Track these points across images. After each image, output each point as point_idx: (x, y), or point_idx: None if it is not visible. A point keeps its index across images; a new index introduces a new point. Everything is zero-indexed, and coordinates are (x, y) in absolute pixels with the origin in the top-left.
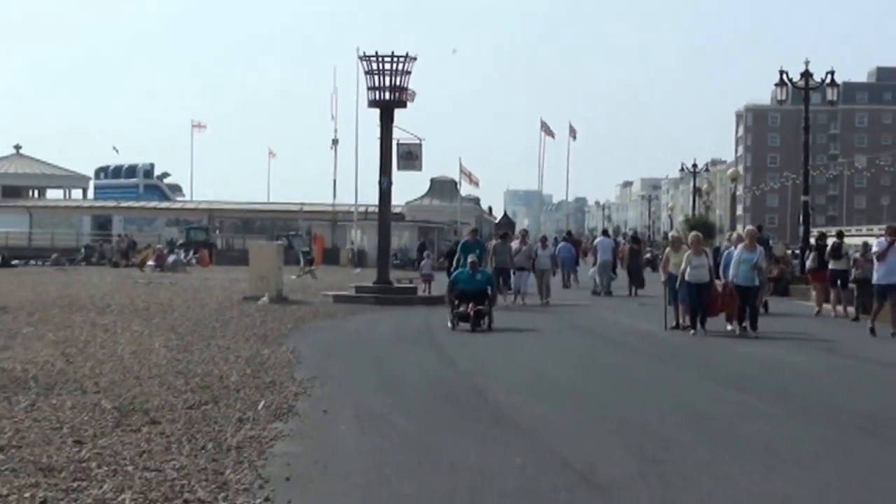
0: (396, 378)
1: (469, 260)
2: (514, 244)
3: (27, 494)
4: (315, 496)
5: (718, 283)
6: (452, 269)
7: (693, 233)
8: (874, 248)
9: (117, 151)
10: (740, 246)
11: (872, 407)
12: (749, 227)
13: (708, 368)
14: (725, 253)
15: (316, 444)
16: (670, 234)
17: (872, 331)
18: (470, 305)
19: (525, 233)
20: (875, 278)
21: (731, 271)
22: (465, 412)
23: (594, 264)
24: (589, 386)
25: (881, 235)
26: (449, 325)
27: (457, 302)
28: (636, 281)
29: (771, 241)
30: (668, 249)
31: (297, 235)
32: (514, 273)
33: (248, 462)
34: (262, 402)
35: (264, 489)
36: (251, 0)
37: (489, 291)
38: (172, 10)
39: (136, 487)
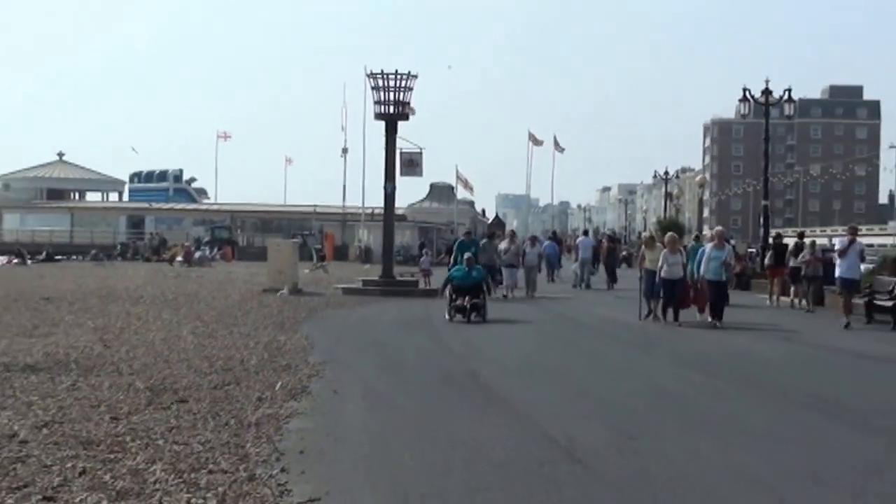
0: (399, 362)
1: (465, 257)
2: (504, 244)
3: (69, 465)
4: (326, 467)
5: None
6: (451, 266)
7: (669, 234)
8: (836, 247)
9: (136, 151)
10: (710, 244)
11: (821, 387)
12: (718, 227)
13: (678, 354)
14: (700, 250)
15: (327, 421)
16: (644, 235)
17: (847, 325)
18: (466, 298)
19: (513, 233)
20: (838, 273)
21: (701, 267)
22: (460, 392)
23: (576, 261)
24: (571, 369)
25: (838, 235)
26: (446, 316)
27: (454, 296)
28: (612, 276)
29: (732, 241)
30: (643, 248)
31: (311, 234)
32: (503, 269)
33: (266, 437)
34: (279, 383)
35: (281, 461)
36: (270, 24)
37: (484, 286)
38: (200, 32)
39: (166, 459)
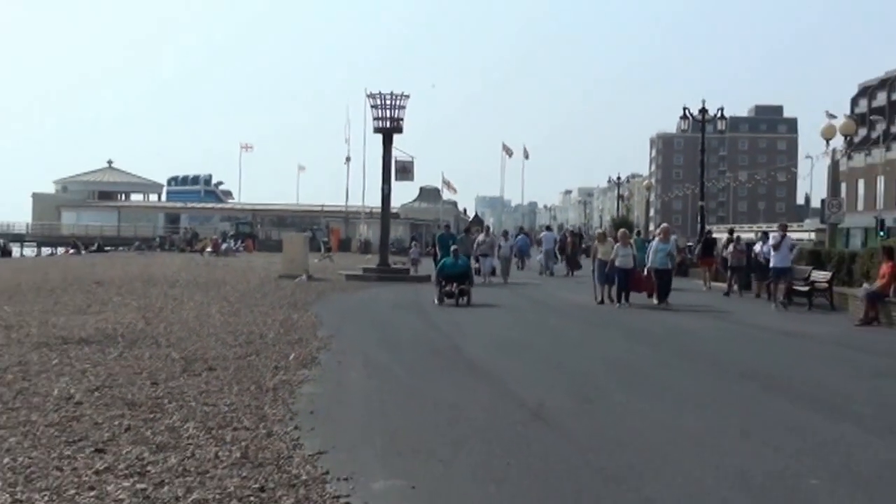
0: (394, 337)
1: (452, 248)
2: (481, 236)
3: (116, 423)
4: (332, 425)
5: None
6: (438, 258)
7: (621, 230)
8: (770, 241)
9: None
10: (657, 239)
11: (748, 359)
12: (663, 224)
13: (627, 330)
14: (644, 243)
15: (333, 386)
16: (597, 231)
17: (785, 305)
18: (454, 285)
19: (488, 228)
20: (772, 263)
21: (649, 258)
22: (445, 363)
23: (542, 252)
24: (539, 344)
25: (763, 231)
26: (436, 301)
27: (443, 283)
28: (573, 265)
29: (674, 236)
30: (595, 242)
31: (319, 229)
32: (479, 258)
33: (281, 400)
34: (293, 355)
35: (294, 420)
36: (286, 55)
37: (469, 274)
38: (227, 60)
39: (198, 418)
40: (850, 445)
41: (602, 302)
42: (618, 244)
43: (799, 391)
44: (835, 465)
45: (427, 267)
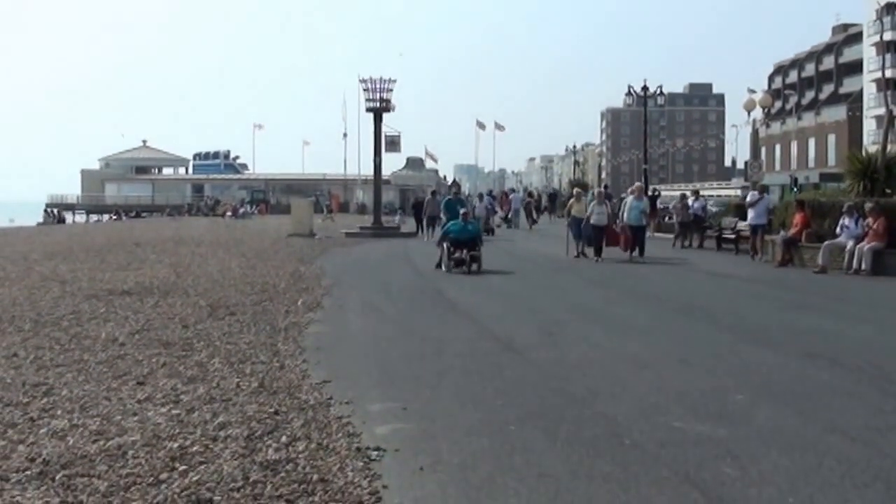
0: (386, 283)
1: (461, 212)
2: (448, 198)
3: (153, 360)
4: (335, 357)
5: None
6: (442, 223)
7: (597, 189)
8: (748, 199)
9: (123, 136)
10: (631, 196)
11: (687, 297)
12: (637, 183)
13: (589, 277)
14: (622, 201)
15: (335, 326)
16: (574, 191)
17: (753, 256)
18: (464, 252)
19: (458, 187)
20: (749, 220)
21: (624, 215)
22: (430, 303)
23: (509, 211)
24: (510, 287)
25: (706, 189)
26: (442, 268)
27: (452, 249)
28: (531, 219)
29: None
30: (571, 200)
31: (322, 194)
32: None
33: (292, 338)
34: (301, 300)
35: (303, 354)
36: (292, 48)
37: (479, 240)
38: (243, 52)
39: (222, 354)
40: (769, 367)
41: (577, 256)
42: (593, 202)
43: (727, 322)
44: (756, 384)
45: (410, 226)
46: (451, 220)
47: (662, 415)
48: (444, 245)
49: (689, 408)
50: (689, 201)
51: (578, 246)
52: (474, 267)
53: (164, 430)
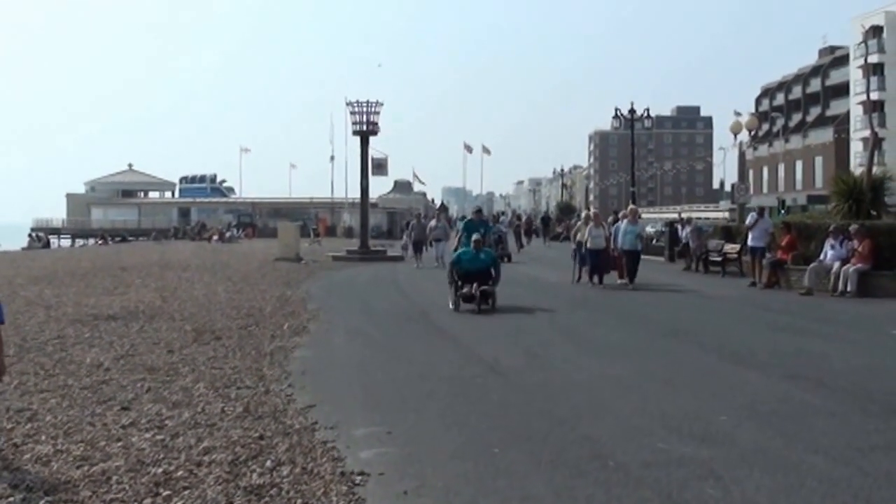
0: (372, 307)
1: (473, 238)
2: (433, 221)
3: (138, 385)
4: (322, 383)
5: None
6: (455, 248)
7: (593, 210)
8: (748, 221)
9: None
10: (625, 221)
11: (672, 319)
12: (631, 206)
13: (580, 301)
14: (615, 226)
15: (321, 351)
16: (583, 214)
17: (754, 284)
18: (474, 286)
19: (441, 211)
20: (749, 242)
21: (619, 240)
22: (416, 327)
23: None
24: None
25: (686, 211)
26: (451, 306)
27: (460, 283)
28: (520, 244)
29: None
30: (579, 223)
31: (309, 218)
32: (431, 244)
33: (277, 363)
34: (287, 324)
35: (289, 379)
36: (278, 72)
37: (493, 272)
38: (229, 76)
39: (207, 379)
40: (753, 388)
41: (577, 281)
42: (590, 225)
43: (712, 344)
44: (740, 405)
45: (397, 249)
46: (465, 248)
47: (646, 436)
48: (454, 277)
49: (673, 429)
50: (678, 227)
51: (580, 271)
52: (487, 305)
53: (149, 455)
